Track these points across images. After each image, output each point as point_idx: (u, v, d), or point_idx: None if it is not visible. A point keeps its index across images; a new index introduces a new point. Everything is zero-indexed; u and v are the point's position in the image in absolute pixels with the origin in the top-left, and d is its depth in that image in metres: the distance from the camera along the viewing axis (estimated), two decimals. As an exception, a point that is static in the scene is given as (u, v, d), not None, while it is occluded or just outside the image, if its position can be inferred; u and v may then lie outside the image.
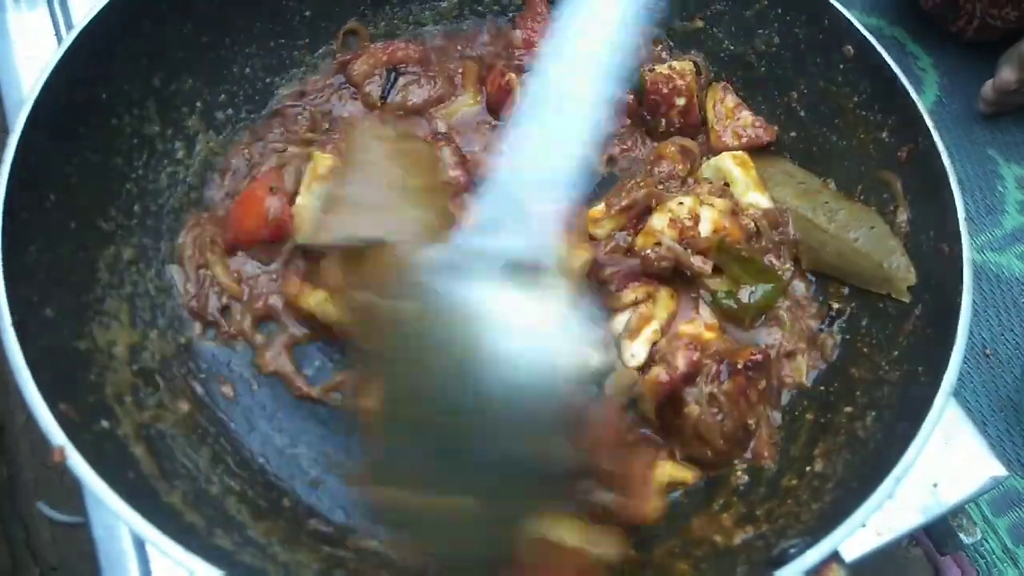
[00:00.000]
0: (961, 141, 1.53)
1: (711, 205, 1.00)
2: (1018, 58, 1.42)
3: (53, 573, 1.49)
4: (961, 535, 0.98)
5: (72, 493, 0.82)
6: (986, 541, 1.22)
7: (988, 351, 1.34)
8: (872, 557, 0.90)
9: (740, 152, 1.09)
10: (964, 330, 0.80)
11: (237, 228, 1.02)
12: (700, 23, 1.19)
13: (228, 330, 0.99)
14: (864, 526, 0.72)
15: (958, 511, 0.95)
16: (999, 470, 0.95)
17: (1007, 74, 1.43)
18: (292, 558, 0.80)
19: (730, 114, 1.14)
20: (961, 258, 0.85)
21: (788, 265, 1.05)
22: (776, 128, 1.13)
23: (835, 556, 0.72)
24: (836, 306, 1.02)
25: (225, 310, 1.00)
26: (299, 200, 0.99)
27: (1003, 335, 1.36)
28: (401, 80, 1.16)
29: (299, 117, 1.14)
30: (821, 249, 1.03)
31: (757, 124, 1.13)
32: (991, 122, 1.55)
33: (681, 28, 1.20)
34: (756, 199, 1.05)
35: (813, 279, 1.06)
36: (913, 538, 1.11)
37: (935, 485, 0.93)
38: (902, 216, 0.97)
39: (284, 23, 1.14)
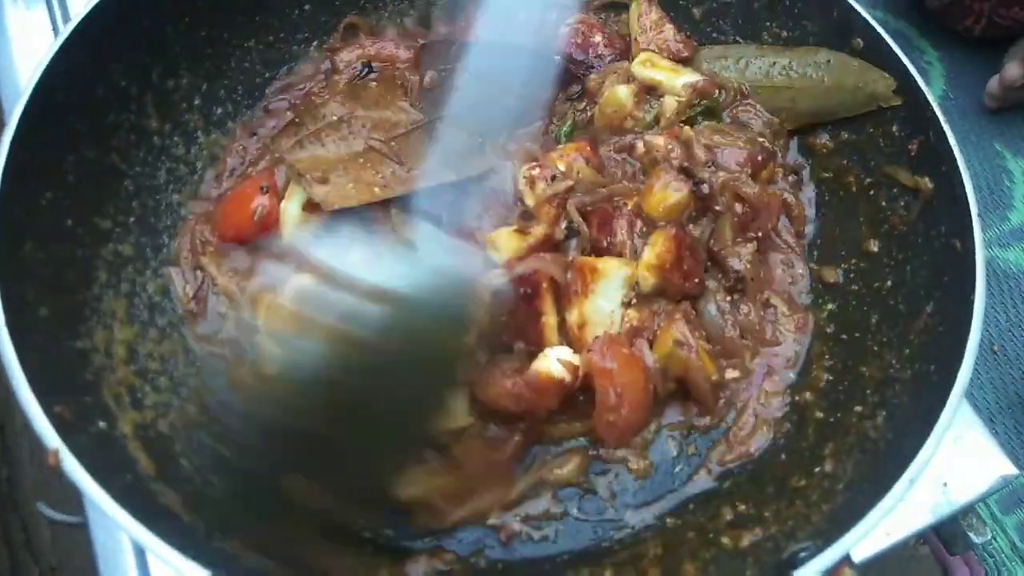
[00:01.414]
0: (967, 135, 1.51)
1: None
2: None
3: (53, 574, 1.48)
4: (971, 535, 0.96)
5: (72, 493, 0.81)
6: (995, 540, 1.21)
7: (995, 347, 1.33)
8: (880, 556, 0.89)
9: (641, 55, 1.08)
10: (977, 328, 0.79)
11: (224, 226, 1.01)
12: (705, 14, 1.18)
13: (220, 335, 0.97)
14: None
15: (968, 510, 0.94)
16: (1009, 469, 0.94)
17: (1013, 70, 1.42)
18: (292, 562, 0.79)
19: (654, 27, 1.13)
20: (974, 254, 0.84)
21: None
22: (695, 43, 1.13)
23: (846, 559, 0.71)
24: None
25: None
26: (283, 203, 0.98)
27: (1010, 331, 1.34)
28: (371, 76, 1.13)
29: (287, 112, 1.13)
30: (796, 105, 1.05)
31: (679, 39, 1.12)
32: (998, 116, 1.53)
33: (685, 19, 1.19)
34: (686, 80, 1.05)
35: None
36: (921, 537, 1.10)
37: (945, 484, 0.92)
38: (913, 211, 0.96)
39: (283, 17, 1.13)
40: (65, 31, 0.89)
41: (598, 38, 1.14)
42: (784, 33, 1.10)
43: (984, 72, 1.52)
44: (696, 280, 0.94)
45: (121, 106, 0.97)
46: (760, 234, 0.99)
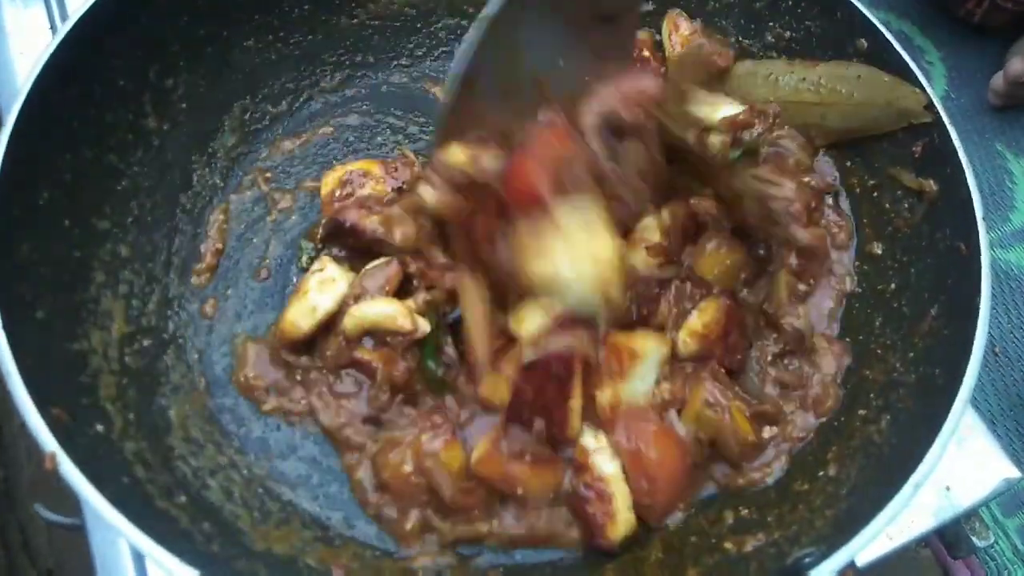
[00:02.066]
0: (969, 136, 1.51)
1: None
2: None
3: (50, 576, 1.47)
4: (974, 539, 0.96)
5: (69, 494, 0.81)
6: (996, 543, 1.21)
7: (997, 349, 1.33)
8: (882, 560, 0.88)
9: (679, 85, 1.02)
10: (983, 331, 0.78)
11: None
12: (707, 15, 1.16)
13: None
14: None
15: (971, 514, 0.93)
16: (1012, 472, 0.93)
17: (1017, 65, 1.42)
18: (291, 566, 0.78)
19: (685, 42, 1.12)
20: (979, 257, 0.83)
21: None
22: (732, 53, 1.11)
23: (850, 565, 0.70)
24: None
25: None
26: None
27: (1012, 333, 1.34)
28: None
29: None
30: (825, 122, 1.03)
31: (712, 51, 1.10)
32: (999, 116, 1.53)
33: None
34: (727, 111, 0.99)
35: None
36: (923, 540, 1.09)
37: (947, 488, 0.91)
38: (917, 214, 0.95)
39: (283, 16, 1.12)
40: (63, 29, 0.88)
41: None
42: (788, 34, 1.09)
43: (986, 72, 1.52)
44: (738, 357, 0.90)
45: (119, 105, 0.96)
46: (813, 282, 0.97)
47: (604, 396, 0.86)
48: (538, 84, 0.81)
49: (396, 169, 1.02)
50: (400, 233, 0.92)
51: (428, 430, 0.85)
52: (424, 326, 0.88)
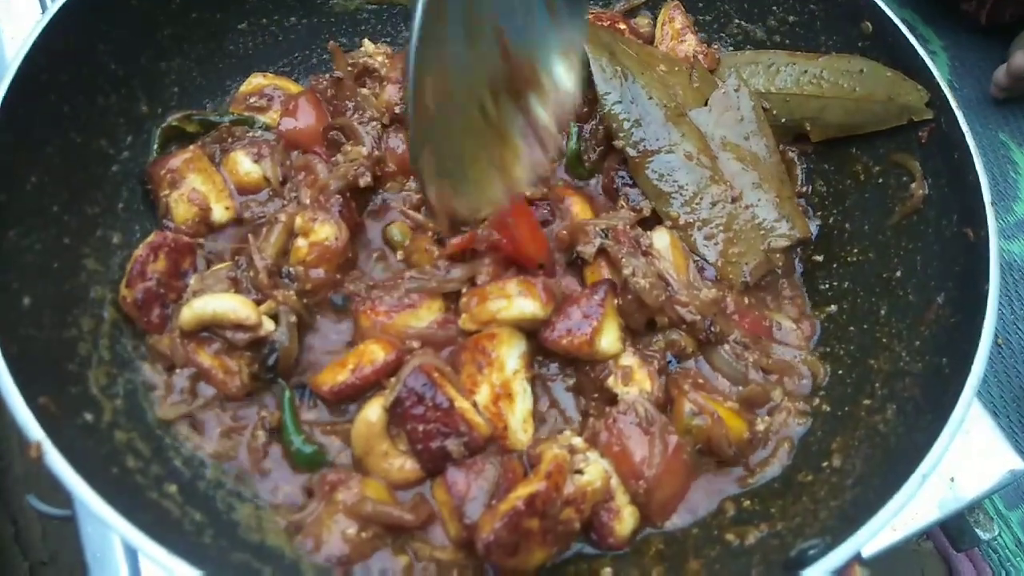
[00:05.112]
0: (972, 126, 1.49)
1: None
2: None
3: (43, 568, 1.45)
4: (978, 531, 0.94)
5: (62, 486, 0.79)
6: (1000, 535, 1.20)
7: (1000, 340, 1.32)
8: (885, 553, 0.87)
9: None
10: (992, 319, 0.77)
11: None
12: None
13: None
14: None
15: (975, 506, 0.92)
16: (1017, 463, 0.92)
17: (1021, 59, 1.40)
18: (284, 558, 0.77)
19: (676, 35, 1.11)
20: (986, 243, 0.81)
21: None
22: (717, 55, 1.11)
23: (856, 556, 0.69)
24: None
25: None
26: None
27: (1015, 324, 1.33)
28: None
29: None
30: (823, 114, 1.02)
31: (700, 50, 1.10)
32: (1003, 106, 1.52)
33: (689, 2, 1.16)
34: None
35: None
36: (925, 532, 1.08)
37: (952, 479, 0.90)
38: (923, 200, 0.94)
39: (277, -1, 1.10)
40: (51, 10, 0.86)
41: None
42: (791, 18, 1.08)
43: (989, 62, 1.50)
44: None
45: (110, 90, 0.94)
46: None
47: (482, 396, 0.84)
48: (497, 33, 0.78)
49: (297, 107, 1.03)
50: None
51: (337, 486, 0.80)
52: (268, 324, 0.86)
